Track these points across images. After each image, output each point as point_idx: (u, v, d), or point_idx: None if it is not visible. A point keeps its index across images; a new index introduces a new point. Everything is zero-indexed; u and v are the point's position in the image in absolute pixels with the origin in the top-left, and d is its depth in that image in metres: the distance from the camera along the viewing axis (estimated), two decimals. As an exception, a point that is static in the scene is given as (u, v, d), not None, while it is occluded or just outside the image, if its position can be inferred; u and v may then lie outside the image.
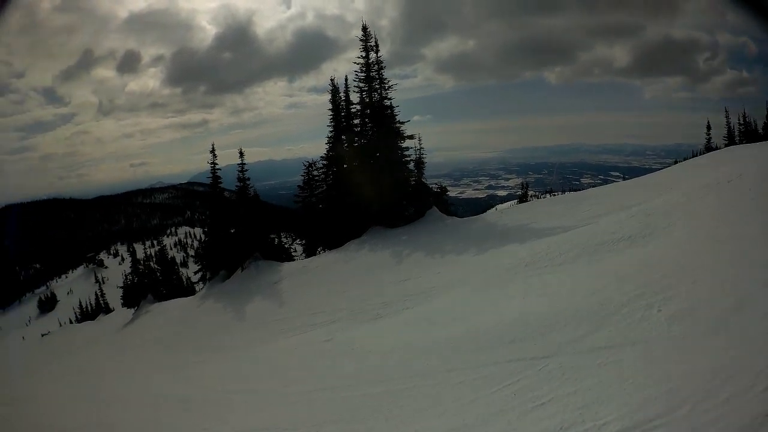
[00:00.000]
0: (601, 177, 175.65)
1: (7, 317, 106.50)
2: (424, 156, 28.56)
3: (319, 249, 30.24)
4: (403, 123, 28.27)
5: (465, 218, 28.97)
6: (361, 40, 27.64)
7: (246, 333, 17.73)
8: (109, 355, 22.62)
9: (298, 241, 33.42)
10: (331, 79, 29.68)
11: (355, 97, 28.73)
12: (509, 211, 28.99)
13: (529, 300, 10.40)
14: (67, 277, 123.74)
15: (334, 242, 27.51)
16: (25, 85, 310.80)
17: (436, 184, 29.61)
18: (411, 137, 28.16)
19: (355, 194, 26.88)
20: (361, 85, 28.25)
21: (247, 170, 29.62)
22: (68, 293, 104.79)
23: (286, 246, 31.88)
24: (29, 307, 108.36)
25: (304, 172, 30.54)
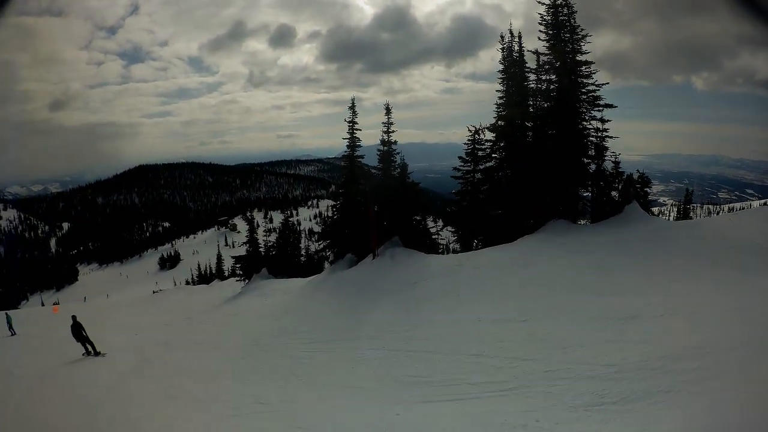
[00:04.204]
0: (737, 193, 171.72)
1: (121, 270, 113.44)
2: (608, 138, 21.24)
3: (475, 242, 23.92)
4: (599, 86, 21.06)
5: (675, 221, 22.76)
6: (546, -28, 21.35)
7: (339, 370, 11.15)
8: (174, 343, 18.04)
9: (448, 228, 26.94)
10: (501, 36, 23.50)
11: (532, 48, 22.51)
12: (742, 215, 24.26)
13: None
14: (195, 237, 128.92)
15: (499, 235, 21.31)
16: (169, 53, 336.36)
17: (638, 170, 22.06)
18: (611, 106, 21.09)
19: (530, 175, 21.22)
20: (549, 31, 21.40)
21: (394, 131, 24.17)
22: (193, 253, 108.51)
23: (431, 231, 25.39)
24: (149, 262, 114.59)
25: (468, 140, 23.93)
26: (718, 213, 61.78)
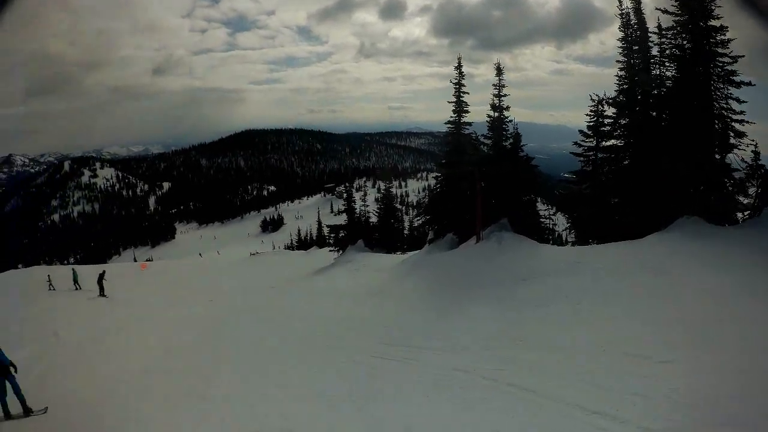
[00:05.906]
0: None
1: (221, 230, 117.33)
2: (744, 122, 16.65)
3: (590, 240, 20.00)
4: (734, 60, 16.58)
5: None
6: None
7: (411, 395, 8.54)
8: (235, 321, 16.27)
9: (562, 213, 23.40)
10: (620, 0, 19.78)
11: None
12: None
13: None
14: (300, 203, 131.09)
15: (618, 227, 17.77)
16: (276, 22, 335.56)
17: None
18: (748, 84, 16.69)
19: (656, 159, 17.47)
20: None
21: (506, 95, 21.21)
22: (297, 218, 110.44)
23: (541, 214, 21.96)
24: (251, 225, 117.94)
25: (591, 111, 20.11)
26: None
